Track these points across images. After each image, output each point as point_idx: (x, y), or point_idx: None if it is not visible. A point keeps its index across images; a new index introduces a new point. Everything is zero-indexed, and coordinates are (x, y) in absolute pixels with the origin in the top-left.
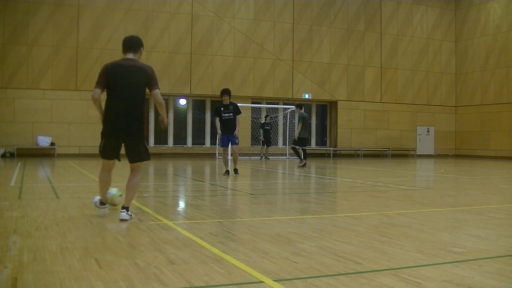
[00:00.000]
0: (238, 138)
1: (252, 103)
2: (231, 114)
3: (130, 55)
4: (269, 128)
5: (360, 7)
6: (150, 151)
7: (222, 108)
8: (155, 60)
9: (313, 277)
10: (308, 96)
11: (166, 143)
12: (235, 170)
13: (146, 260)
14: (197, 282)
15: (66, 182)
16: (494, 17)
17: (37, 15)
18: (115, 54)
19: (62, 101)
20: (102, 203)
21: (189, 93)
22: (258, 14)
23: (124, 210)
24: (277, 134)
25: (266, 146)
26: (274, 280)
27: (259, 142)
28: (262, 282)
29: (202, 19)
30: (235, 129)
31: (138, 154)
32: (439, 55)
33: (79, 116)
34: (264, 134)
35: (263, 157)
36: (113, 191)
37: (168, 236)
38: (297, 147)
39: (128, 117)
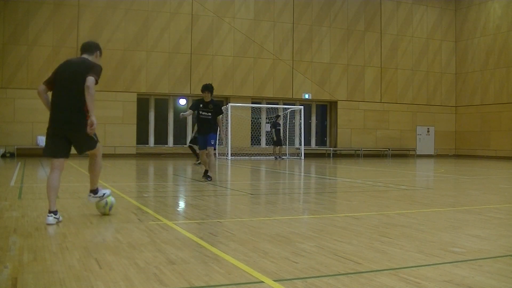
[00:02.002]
0: (215, 140)
1: (252, 103)
2: (210, 114)
3: (85, 55)
4: (280, 128)
5: (360, 7)
6: (150, 151)
7: (201, 105)
8: (155, 60)
9: (313, 277)
10: (308, 96)
11: (166, 143)
12: (208, 176)
13: (146, 260)
14: (197, 282)
15: (66, 182)
16: (494, 17)
17: (37, 15)
18: (115, 54)
19: None
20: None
21: (189, 93)
22: (258, 14)
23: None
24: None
25: (279, 146)
26: (274, 280)
27: (271, 142)
28: (262, 282)
29: (202, 19)
30: (212, 131)
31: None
32: (439, 55)
33: None
34: (276, 134)
35: (278, 157)
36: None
37: (168, 236)
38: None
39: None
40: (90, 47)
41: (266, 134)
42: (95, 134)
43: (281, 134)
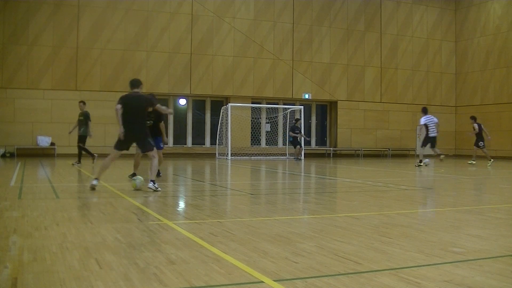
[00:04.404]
0: (159, 140)
1: (252, 103)
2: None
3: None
4: (298, 132)
5: (360, 7)
6: None
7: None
8: (155, 60)
9: (313, 277)
10: (308, 96)
11: (166, 143)
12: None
13: (146, 260)
14: (197, 282)
15: (66, 182)
16: (494, 17)
17: (37, 15)
18: (115, 54)
19: (62, 101)
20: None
21: (189, 93)
22: (258, 14)
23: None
24: (277, 134)
25: (299, 146)
26: (274, 280)
27: (293, 143)
28: (262, 282)
29: (202, 19)
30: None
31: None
32: (439, 55)
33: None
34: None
35: (296, 158)
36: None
37: (168, 236)
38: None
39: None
40: (137, 83)
41: (266, 134)
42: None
43: (299, 137)
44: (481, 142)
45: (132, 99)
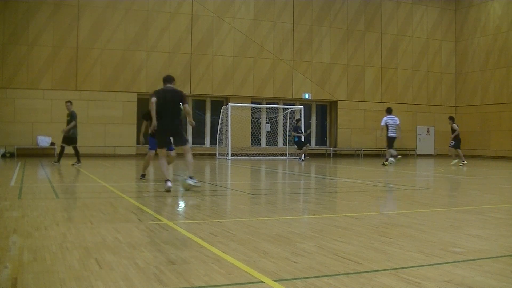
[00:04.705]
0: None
1: (252, 103)
2: None
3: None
4: (300, 132)
5: (360, 7)
6: None
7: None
8: (155, 60)
9: (313, 277)
10: (308, 96)
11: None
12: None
13: (146, 260)
14: (197, 282)
15: (66, 182)
16: (494, 17)
17: (37, 15)
18: (115, 54)
19: (62, 101)
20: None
21: (189, 93)
22: (258, 14)
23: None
24: (277, 134)
25: (305, 146)
26: (274, 280)
27: (286, 143)
28: (262, 282)
29: (202, 19)
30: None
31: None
32: (439, 55)
33: (79, 116)
34: (299, 137)
35: (301, 158)
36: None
37: (168, 236)
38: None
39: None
40: (170, 79)
41: (266, 134)
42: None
43: (302, 137)
44: (452, 142)
45: (167, 93)
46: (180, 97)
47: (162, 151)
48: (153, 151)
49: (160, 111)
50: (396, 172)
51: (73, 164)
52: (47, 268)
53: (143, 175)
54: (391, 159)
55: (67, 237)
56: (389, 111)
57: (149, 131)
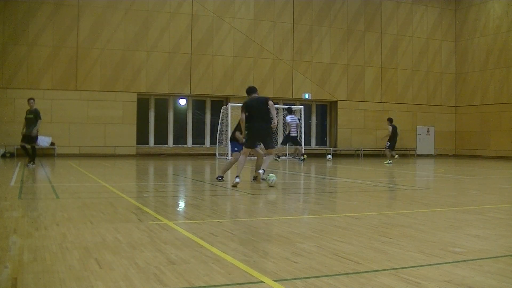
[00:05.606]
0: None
1: None
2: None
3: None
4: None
5: (360, 7)
6: (150, 151)
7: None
8: (155, 60)
9: (313, 277)
10: (308, 96)
11: (166, 143)
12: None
13: (146, 260)
14: (197, 282)
15: (66, 182)
16: (494, 17)
17: (37, 15)
18: (115, 54)
19: (62, 101)
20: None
21: (189, 93)
22: (258, 14)
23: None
24: (277, 134)
25: (300, 145)
26: (274, 280)
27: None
28: (262, 282)
29: (202, 19)
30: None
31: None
32: (439, 55)
33: (79, 116)
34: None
35: (299, 158)
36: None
37: (168, 236)
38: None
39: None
40: (255, 89)
41: None
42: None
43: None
44: (388, 143)
45: (254, 102)
46: (266, 103)
47: (247, 150)
48: (237, 153)
49: (251, 119)
50: (396, 172)
51: (27, 165)
52: (47, 268)
53: (221, 177)
54: (279, 156)
55: (67, 237)
56: (289, 111)
57: (240, 140)
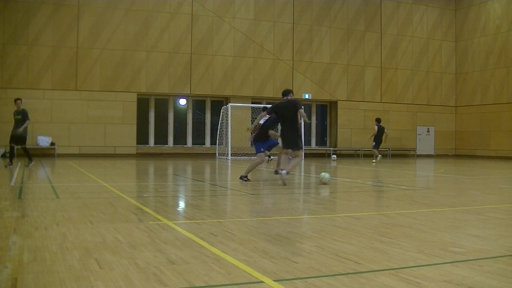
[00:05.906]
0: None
1: (252, 103)
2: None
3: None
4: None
5: (360, 7)
6: (150, 151)
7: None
8: (155, 60)
9: (313, 277)
10: (308, 96)
11: (166, 143)
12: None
13: (146, 260)
14: (197, 282)
15: (66, 182)
16: (494, 17)
17: (37, 15)
18: (115, 54)
19: (62, 101)
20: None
21: (189, 93)
22: (258, 14)
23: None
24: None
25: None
26: (274, 280)
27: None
28: (262, 282)
29: (202, 19)
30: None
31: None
32: (439, 55)
33: (79, 116)
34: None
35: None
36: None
37: (168, 236)
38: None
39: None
40: (288, 92)
41: None
42: (300, 142)
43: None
44: (374, 143)
45: (283, 106)
46: (293, 107)
47: (285, 151)
48: (262, 154)
49: (280, 122)
50: (396, 172)
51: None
52: (47, 268)
53: (246, 178)
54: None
55: (67, 237)
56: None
57: (275, 136)
